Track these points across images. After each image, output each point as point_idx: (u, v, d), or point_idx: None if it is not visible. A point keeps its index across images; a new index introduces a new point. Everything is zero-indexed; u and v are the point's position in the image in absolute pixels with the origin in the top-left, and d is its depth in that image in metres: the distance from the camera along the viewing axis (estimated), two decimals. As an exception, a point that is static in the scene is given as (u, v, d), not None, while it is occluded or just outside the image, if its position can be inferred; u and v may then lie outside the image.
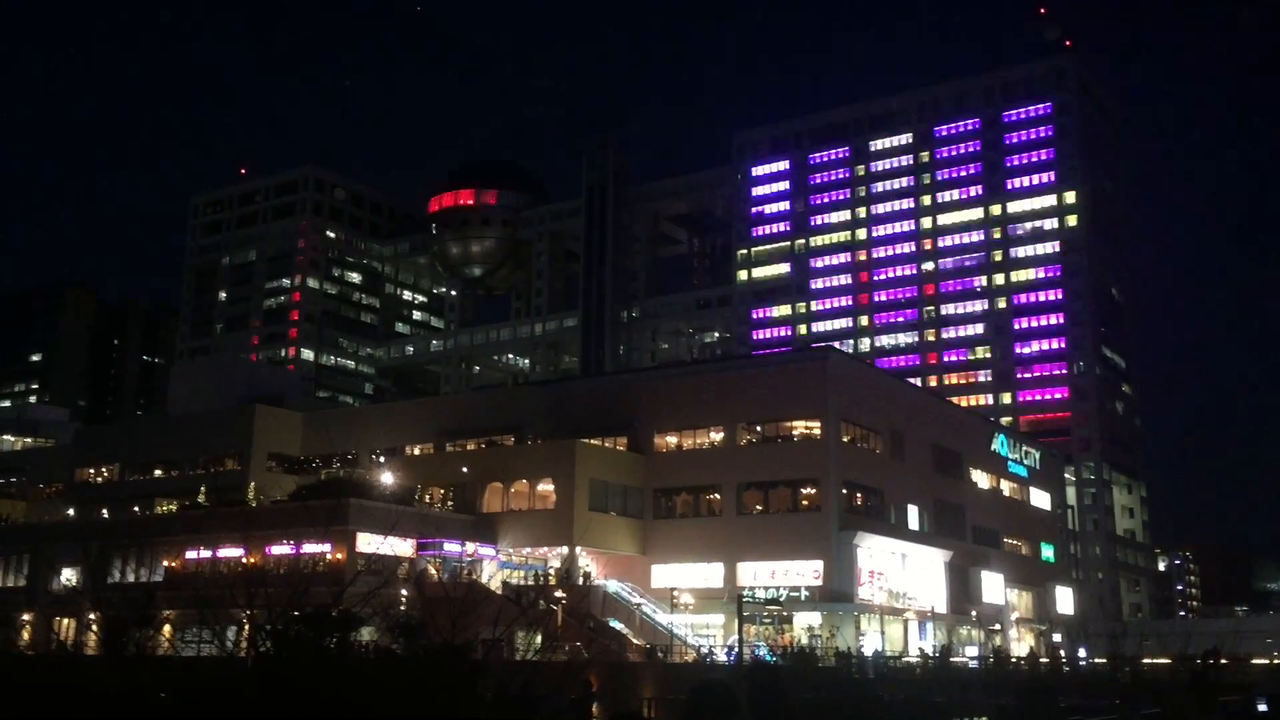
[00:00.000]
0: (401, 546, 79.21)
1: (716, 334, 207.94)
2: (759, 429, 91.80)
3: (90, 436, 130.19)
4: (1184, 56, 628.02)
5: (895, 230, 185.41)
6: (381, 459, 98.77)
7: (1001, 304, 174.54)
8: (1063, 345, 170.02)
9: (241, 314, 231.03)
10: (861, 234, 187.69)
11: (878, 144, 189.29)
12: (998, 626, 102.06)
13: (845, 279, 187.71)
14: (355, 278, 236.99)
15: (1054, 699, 50.81)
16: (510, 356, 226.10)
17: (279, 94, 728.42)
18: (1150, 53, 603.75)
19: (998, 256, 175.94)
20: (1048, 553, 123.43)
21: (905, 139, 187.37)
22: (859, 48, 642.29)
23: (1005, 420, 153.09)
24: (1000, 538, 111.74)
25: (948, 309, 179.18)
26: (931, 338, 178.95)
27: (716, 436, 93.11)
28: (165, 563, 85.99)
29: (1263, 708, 55.64)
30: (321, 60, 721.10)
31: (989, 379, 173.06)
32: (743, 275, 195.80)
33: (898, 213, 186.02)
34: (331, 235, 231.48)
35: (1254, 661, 78.02)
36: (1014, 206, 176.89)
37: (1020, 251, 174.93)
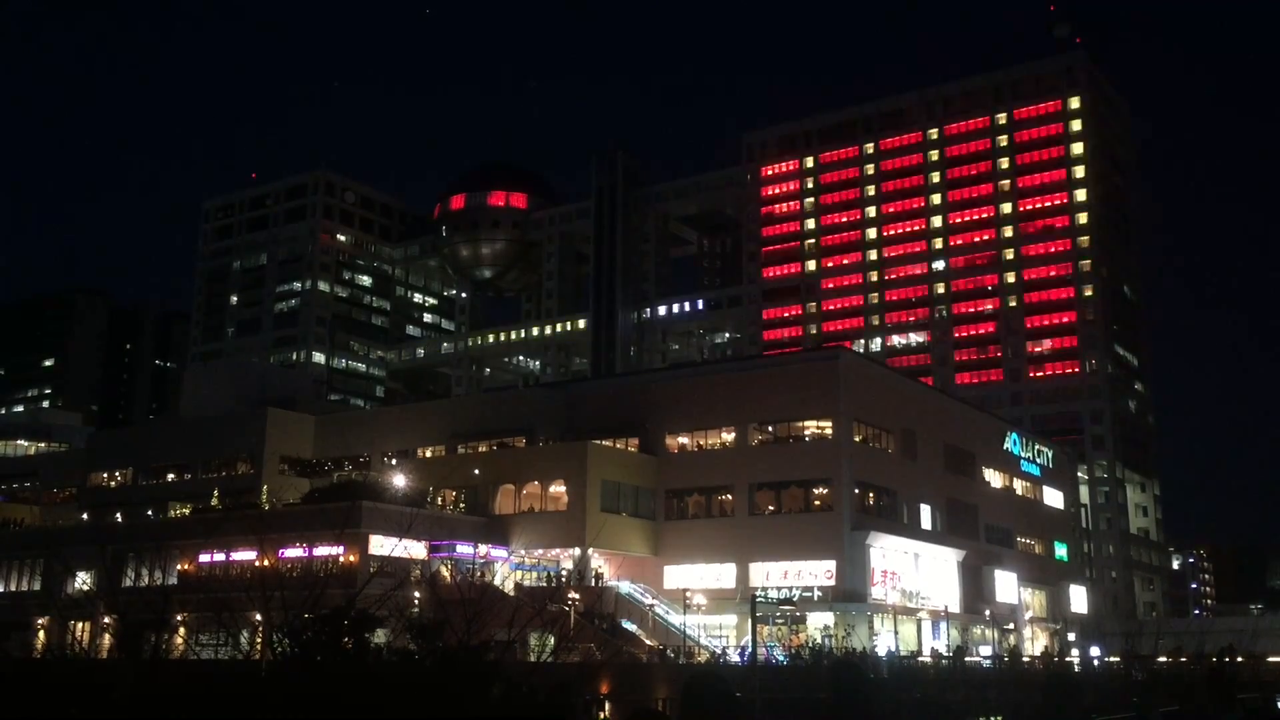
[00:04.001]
0: (414, 549, 79.25)
1: (727, 334, 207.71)
2: (770, 429, 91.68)
3: (103, 441, 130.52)
4: (1197, 50, 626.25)
5: (906, 229, 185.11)
6: (393, 461, 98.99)
7: (1013, 302, 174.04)
8: (1075, 343, 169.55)
9: (253, 317, 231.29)
10: (872, 233, 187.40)
11: (888, 143, 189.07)
12: (1011, 626, 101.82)
13: (856, 278, 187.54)
14: (366, 280, 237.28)
15: (1079, 696, 50.68)
16: (521, 358, 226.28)
17: (290, 98, 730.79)
18: (1163, 47, 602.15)
19: (1009, 254, 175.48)
20: (1061, 551, 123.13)
21: (916, 137, 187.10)
22: (869, 47, 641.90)
23: (1017, 419, 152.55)
24: (1013, 537, 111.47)
25: (959, 307, 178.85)
26: (943, 336, 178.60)
27: (728, 437, 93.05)
28: (179, 566, 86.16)
29: (1284, 706, 55.38)
30: (332, 64, 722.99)
31: (1001, 377, 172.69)
32: (753, 275, 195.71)
33: (908, 211, 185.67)
34: (342, 238, 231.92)
35: (1270, 659, 77.74)
36: (1025, 204, 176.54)
37: (1031, 249, 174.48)
